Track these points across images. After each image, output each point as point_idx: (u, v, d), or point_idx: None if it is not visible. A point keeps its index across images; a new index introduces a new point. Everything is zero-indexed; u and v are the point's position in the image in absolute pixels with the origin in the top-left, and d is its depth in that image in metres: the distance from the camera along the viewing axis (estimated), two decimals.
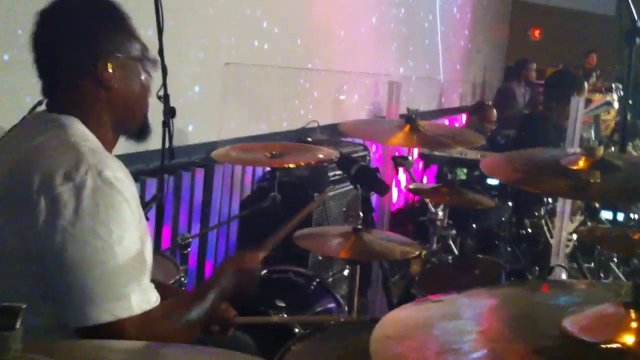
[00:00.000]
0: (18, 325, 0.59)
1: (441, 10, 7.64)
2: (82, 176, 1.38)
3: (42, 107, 1.63)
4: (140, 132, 1.69)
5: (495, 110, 5.80)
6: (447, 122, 7.56)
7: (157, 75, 1.79)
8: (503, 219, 3.70)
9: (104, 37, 1.55)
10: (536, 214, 3.35)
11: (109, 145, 1.59)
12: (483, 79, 9.21)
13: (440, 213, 2.69)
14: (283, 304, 2.49)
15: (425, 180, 5.85)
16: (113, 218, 1.39)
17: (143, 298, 1.42)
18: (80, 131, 1.51)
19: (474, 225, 3.44)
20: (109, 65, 1.53)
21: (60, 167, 1.39)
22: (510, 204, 3.80)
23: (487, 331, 1.08)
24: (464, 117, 8.06)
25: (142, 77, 1.61)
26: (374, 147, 4.93)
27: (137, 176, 3.46)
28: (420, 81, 7.26)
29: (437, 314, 1.07)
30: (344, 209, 3.81)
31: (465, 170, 4.79)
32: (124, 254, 1.39)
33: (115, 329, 1.37)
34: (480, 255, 2.62)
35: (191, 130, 4.06)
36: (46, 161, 1.41)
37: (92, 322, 1.36)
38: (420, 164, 5.16)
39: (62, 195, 1.36)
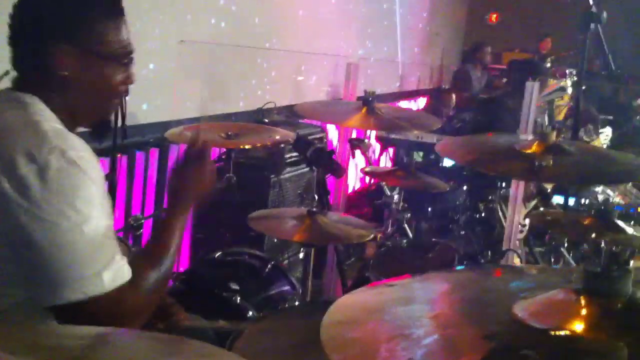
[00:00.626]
0: None
1: None
2: (46, 157, 1.37)
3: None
4: (97, 129, 1.67)
5: (453, 95, 5.83)
6: (405, 104, 7.58)
7: None
8: (457, 202, 3.74)
9: (70, 22, 1.53)
10: (490, 197, 3.38)
11: (69, 128, 1.55)
12: (441, 62, 9.25)
13: (396, 196, 2.69)
14: (237, 287, 2.47)
15: (384, 163, 5.87)
16: (79, 198, 1.38)
17: (116, 274, 1.42)
18: (41, 111, 1.49)
19: (429, 209, 3.46)
20: (65, 53, 1.51)
21: (22, 148, 1.38)
22: (464, 188, 3.83)
23: (439, 316, 1.09)
24: (422, 100, 8.09)
25: (105, 75, 1.57)
26: (332, 129, 4.91)
27: None
28: (379, 63, 7.26)
29: (389, 298, 1.07)
30: (300, 192, 3.80)
31: (421, 154, 4.82)
32: (93, 232, 1.39)
33: (88, 307, 1.38)
34: (434, 239, 2.63)
35: (145, 108, 3.98)
36: (8, 142, 1.40)
37: (64, 301, 1.36)
38: (378, 147, 5.16)
39: (27, 177, 1.36)
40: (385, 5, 7.49)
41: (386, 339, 0.93)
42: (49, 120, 1.48)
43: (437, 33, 9.07)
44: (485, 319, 1.05)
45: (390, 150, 5.34)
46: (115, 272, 1.43)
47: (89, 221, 1.39)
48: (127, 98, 2.88)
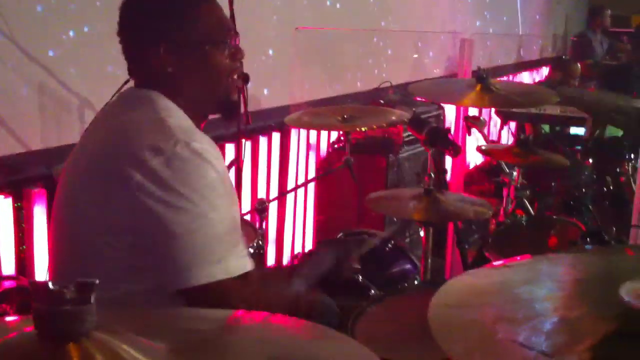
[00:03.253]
0: (92, 299, 0.64)
1: None
2: (172, 148, 1.44)
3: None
4: (224, 111, 1.72)
5: (578, 65, 5.58)
6: (526, 75, 7.34)
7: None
8: (582, 176, 3.60)
9: (167, 23, 1.59)
10: (618, 170, 3.23)
11: (194, 121, 1.62)
12: (564, 29, 8.86)
13: (515, 172, 2.65)
14: (358, 266, 2.52)
15: (506, 137, 5.73)
16: (204, 186, 1.45)
17: (239, 262, 1.49)
18: (167, 106, 1.57)
19: (552, 184, 3.36)
20: (164, 51, 1.57)
21: (149, 143, 1.45)
22: (590, 160, 3.69)
23: (558, 298, 1.05)
24: (545, 70, 7.80)
25: (212, 61, 1.62)
26: (448, 106, 4.86)
27: (216, 141, 3.54)
28: (497, 35, 7.06)
29: (505, 279, 1.06)
30: (418, 171, 3.80)
31: (547, 126, 4.66)
32: (218, 220, 1.46)
33: (214, 290, 1.44)
34: (555, 216, 2.56)
35: (266, 94, 4.11)
36: (136, 136, 1.48)
37: (192, 283, 1.43)
38: (499, 121, 5.05)
39: (156, 167, 1.42)
40: None
41: (491, 322, 0.91)
42: (174, 116, 1.55)
43: (559, 0, 8.70)
44: (607, 301, 1.02)
45: (513, 124, 5.21)
46: (239, 259, 1.49)
47: (214, 209, 1.45)
48: (248, 84, 3.05)
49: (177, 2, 1.63)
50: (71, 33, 2.96)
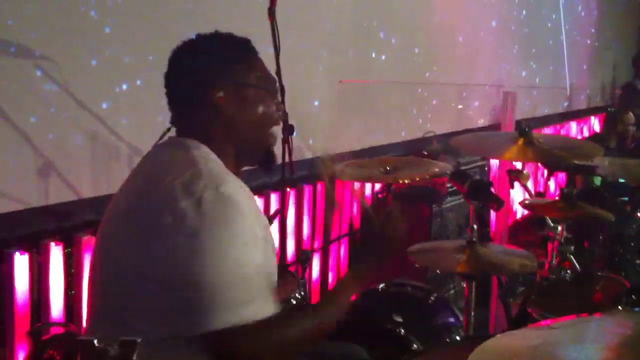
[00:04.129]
0: (135, 357, 0.67)
1: (565, 8, 7.37)
2: (201, 191, 1.46)
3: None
4: (263, 161, 1.76)
5: (631, 114, 5.50)
6: (573, 126, 7.27)
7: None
8: (630, 229, 3.53)
9: (221, 66, 1.64)
10: None
11: (232, 170, 1.64)
12: (612, 78, 8.78)
13: (559, 227, 2.62)
14: (400, 319, 2.51)
15: (553, 188, 5.65)
16: (230, 230, 1.45)
17: (260, 308, 1.48)
18: (203, 152, 1.60)
19: (600, 237, 3.29)
20: (222, 91, 1.62)
21: (180, 182, 1.48)
22: (638, 214, 3.62)
23: None
24: (593, 119, 7.72)
25: (260, 108, 1.68)
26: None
27: (261, 190, 3.59)
28: (544, 85, 7.05)
29: (538, 342, 1.04)
30: (461, 223, 3.78)
31: (599, 178, 4.58)
32: (241, 264, 1.46)
33: (231, 336, 1.43)
34: (599, 272, 2.51)
35: (311, 143, 4.17)
36: (166, 177, 1.51)
37: (208, 329, 1.42)
38: (545, 172, 5.00)
39: (185, 210, 1.44)
40: (550, 24, 7.27)
41: None
42: (209, 160, 1.58)
43: (608, 47, 8.64)
44: None
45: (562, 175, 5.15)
46: (261, 306, 1.48)
47: (239, 254, 1.46)
48: (292, 136, 3.11)
49: (235, 48, 1.68)
50: (124, 86, 3.07)
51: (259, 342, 1.46)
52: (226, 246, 1.44)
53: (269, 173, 1.83)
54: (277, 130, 1.82)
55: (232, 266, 1.45)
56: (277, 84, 1.86)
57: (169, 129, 1.75)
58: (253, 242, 1.50)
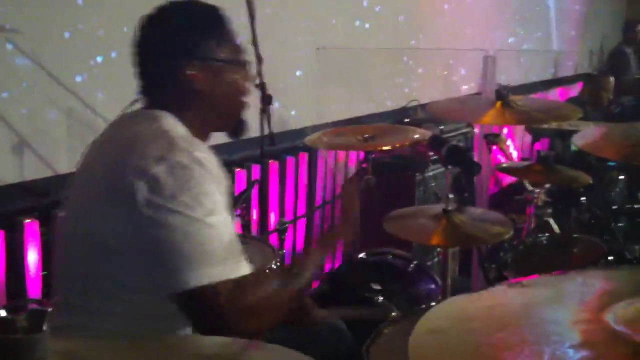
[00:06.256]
0: (45, 327, 0.65)
1: None
2: (175, 156, 1.48)
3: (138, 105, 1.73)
4: (235, 130, 1.79)
5: (611, 78, 5.48)
6: (559, 92, 7.23)
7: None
8: (613, 193, 3.51)
9: (193, 41, 1.63)
10: None
11: (201, 140, 1.65)
12: (600, 44, 8.72)
13: (537, 190, 2.59)
14: (379, 287, 2.51)
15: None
16: (203, 193, 1.48)
17: (237, 267, 1.50)
18: (171, 122, 1.61)
19: (582, 200, 3.27)
20: (194, 68, 1.62)
21: (153, 151, 1.50)
22: (621, 177, 3.60)
23: (575, 325, 0.98)
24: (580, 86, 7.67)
25: (232, 80, 1.68)
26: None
27: (242, 162, 3.57)
28: (530, 51, 6.99)
29: (489, 304, 1.01)
30: (441, 190, 3.75)
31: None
32: (216, 225, 1.48)
33: (211, 293, 1.45)
34: (576, 235, 2.50)
35: (294, 114, 4.13)
36: (140, 148, 1.52)
37: (190, 285, 1.44)
38: (530, 138, 4.98)
39: (158, 175, 1.47)
40: None
41: (471, 350, 0.87)
42: (177, 130, 1.59)
43: (595, 14, 8.57)
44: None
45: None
46: (237, 264, 1.51)
47: (212, 214, 1.48)
48: (270, 107, 3.08)
49: (207, 20, 1.67)
50: (99, 59, 3.03)
51: (235, 299, 1.47)
52: (199, 206, 1.47)
53: (239, 137, 1.83)
54: (250, 98, 1.81)
55: (207, 225, 1.47)
56: (253, 54, 1.84)
57: (135, 100, 1.72)
58: (223, 204, 1.53)
